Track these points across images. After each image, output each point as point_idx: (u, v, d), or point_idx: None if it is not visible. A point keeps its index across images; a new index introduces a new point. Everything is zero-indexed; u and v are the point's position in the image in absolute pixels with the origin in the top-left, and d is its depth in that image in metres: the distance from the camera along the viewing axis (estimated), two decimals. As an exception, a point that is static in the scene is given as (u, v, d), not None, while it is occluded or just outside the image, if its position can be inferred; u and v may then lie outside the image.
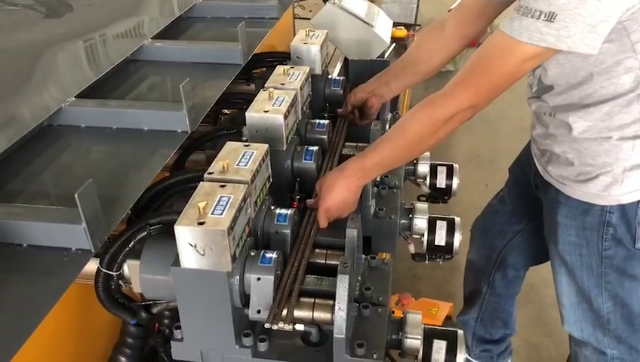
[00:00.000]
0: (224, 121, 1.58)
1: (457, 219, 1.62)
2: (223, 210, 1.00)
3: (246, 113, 1.33)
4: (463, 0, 1.57)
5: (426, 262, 1.71)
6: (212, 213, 0.99)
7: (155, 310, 1.18)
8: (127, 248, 1.11)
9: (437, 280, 2.60)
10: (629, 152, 1.31)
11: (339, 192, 1.27)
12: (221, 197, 1.03)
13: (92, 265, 1.09)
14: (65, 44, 1.54)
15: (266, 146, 1.20)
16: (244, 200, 1.05)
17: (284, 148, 1.36)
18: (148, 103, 1.30)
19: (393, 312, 1.29)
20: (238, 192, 1.04)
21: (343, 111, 1.70)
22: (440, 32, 1.61)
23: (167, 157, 1.18)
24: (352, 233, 1.15)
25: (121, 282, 1.15)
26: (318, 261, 1.21)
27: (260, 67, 1.85)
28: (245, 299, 1.07)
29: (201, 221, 0.97)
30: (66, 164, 1.19)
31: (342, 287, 1.02)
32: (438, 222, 1.62)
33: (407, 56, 1.70)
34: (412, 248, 1.67)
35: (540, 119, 1.48)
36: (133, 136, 1.23)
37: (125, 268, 1.14)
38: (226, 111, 1.72)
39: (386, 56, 2.49)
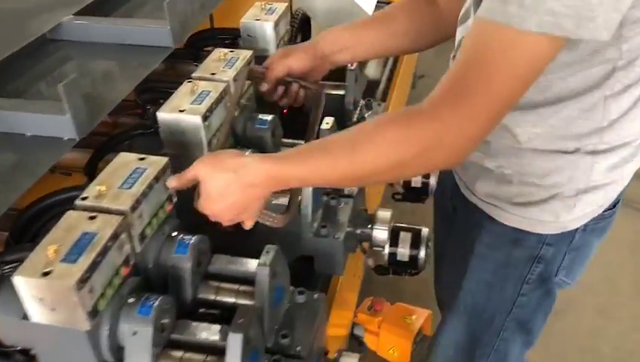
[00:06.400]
0: (149, 115, 1.37)
1: (425, 231, 1.39)
2: (80, 255, 0.79)
3: (157, 112, 1.12)
4: None
5: (390, 275, 1.52)
6: (63, 260, 0.79)
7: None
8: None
9: (421, 278, 2.37)
10: (587, 172, 1.01)
11: (235, 200, 0.94)
12: (84, 234, 0.83)
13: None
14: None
15: (164, 160, 0.98)
16: (115, 237, 0.84)
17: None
18: (29, 103, 1.08)
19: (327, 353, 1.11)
20: (107, 228, 0.84)
21: (264, 89, 1.29)
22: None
23: (45, 169, 0.98)
24: (263, 272, 0.94)
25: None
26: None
27: (209, 45, 1.62)
28: (120, 353, 0.88)
29: (47, 271, 0.77)
30: None
31: (232, 354, 0.82)
32: (402, 233, 1.40)
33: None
34: (371, 262, 1.47)
35: None
36: (13, 142, 1.03)
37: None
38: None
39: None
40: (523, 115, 0.98)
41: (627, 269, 2.42)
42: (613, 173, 1.03)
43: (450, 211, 1.33)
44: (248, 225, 1.02)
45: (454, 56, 1.09)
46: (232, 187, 0.93)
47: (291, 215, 1.09)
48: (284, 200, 1.12)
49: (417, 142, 0.84)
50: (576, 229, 1.09)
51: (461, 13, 1.04)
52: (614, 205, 1.13)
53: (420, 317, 1.89)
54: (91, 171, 1.24)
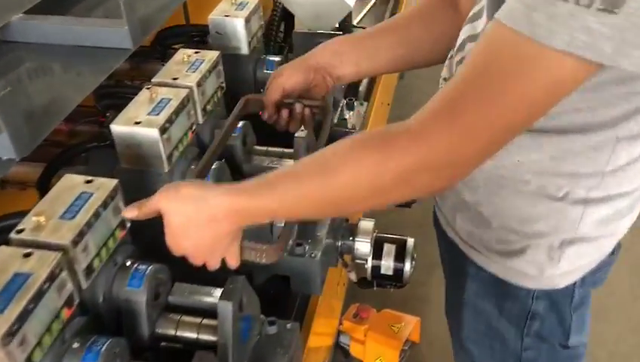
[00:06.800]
0: (109, 123, 1.25)
1: (410, 241, 1.29)
2: (8, 302, 0.69)
3: (111, 125, 1.01)
4: None
5: (374, 288, 1.42)
6: (-12, 310, 0.69)
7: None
8: None
9: (411, 280, 2.29)
10: (575, 223, 0.89)
11: (200, 237, 0.83)
12: (15, 276, 0.72)
13: None
14: None
15: (114, 183, 0.87)
16: (53, 278, 0.74)
17: (166, 170, 1.04)
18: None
19: None
20: (44, 267, 0.74)
21: (266, 116, 1.18)
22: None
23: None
24: (226, 308, 0.84)
25: None
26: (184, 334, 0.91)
27: (178, 42, 1.51)
28: (66, 406, 0.78)
29: (-33, 324, 0.67)
30: None
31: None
32: (386, 245, 1.30)
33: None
34: (353, 276, 1.37)
35: None
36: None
37: None
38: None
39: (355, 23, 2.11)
40: (519, 138, 0.82)
41: (622, 269, 2.33)
42: (606, 228, 0.91)
43: (441, 232, 1.19)
44: (232, 264, 0.90)
45: (451, 57, 0.97)
46: (194, 222, 0.82)
47: (284, 246, 0.98)
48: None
49: (397, 165, 0.71)
50: (574, 284, 0.97)
51: (472, 12, 0.91)
52: (614, 251, 1.00)
53: (408, 324, 1.80)
54: (44, 187, 1.14)
